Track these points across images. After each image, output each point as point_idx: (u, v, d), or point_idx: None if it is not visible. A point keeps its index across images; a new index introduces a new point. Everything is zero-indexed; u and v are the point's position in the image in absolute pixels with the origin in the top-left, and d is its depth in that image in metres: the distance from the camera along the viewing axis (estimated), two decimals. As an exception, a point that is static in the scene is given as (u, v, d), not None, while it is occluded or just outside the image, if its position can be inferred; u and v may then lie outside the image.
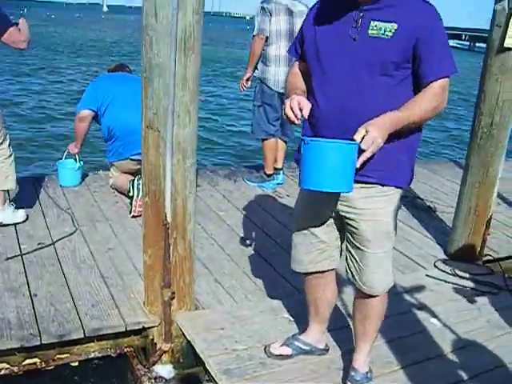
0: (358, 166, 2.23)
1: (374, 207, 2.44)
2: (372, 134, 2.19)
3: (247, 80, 5.74)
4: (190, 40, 2.67)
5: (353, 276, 2.63)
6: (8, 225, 4.35)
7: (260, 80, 5.60)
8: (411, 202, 5.65)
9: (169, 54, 2.64)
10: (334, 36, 2.37)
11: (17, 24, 4.01)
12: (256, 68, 5.63)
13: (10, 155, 4.36)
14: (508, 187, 5.92)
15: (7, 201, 4.49)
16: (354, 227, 2.50)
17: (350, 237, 2.56)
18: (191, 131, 2.79)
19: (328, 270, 2.76)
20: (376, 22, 2.28)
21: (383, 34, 2.26)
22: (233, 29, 75.26)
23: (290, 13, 5.42)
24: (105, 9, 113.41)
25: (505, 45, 3.94)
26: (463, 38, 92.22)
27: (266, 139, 5.73)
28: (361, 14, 2.31)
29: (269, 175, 5.82)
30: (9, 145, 4.34)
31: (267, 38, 5.42)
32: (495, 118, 4.13)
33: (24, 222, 4.44)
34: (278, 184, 5.80)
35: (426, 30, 2.25)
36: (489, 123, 4.15)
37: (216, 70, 22.28)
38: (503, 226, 5.25)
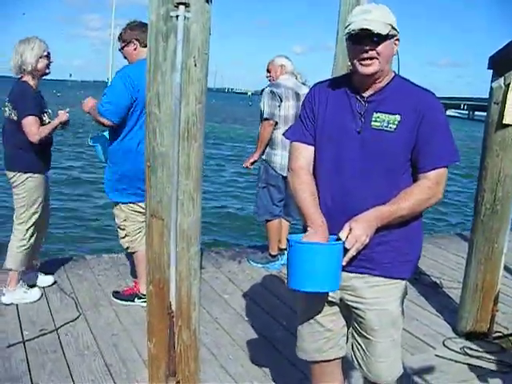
0: (344, 263, 2.27)
1: (379, 296, 2.43)
2: (355, 233, 2.22)
3: (252, 163, 5.77)
4: (192, 129, 2.71)
5: (359, 364, 2.59)
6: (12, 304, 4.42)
7: (265, 161, 5.63)
8: (417, 279, 5.60)
9: (172, 143, 2.68)
10: (339, 128, 2.38)
11: (45, 113, 4.46)
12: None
13: (31, 236, 4.51)
14: (514, 260, 5.89)
15: (20, 281, 4.52)
16: (360, 316, 2.47)
17: (357, 325, 2.53)
18: (195, 219, 2.80)
19: (335, 359, 2.69)
20: (379, 114, 2.32)
21: (387, 127, 2.29)
22: (237, 105, 76.44)
23: (297, 96, 5.48)
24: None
25: (504, 121, 4.00)
26: (462, 107, 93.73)
27: (270, 220, 5.73)
28: (365, 106, 2.35)
29: (273, 256, 5.79)
30: (32, 225, 4.48)
31: (276, 122, 5.46)
32: (498, 194, 4.14)
33: (30, 303, 4.45)
34: (283, 264, 5.71)
35: (427, 120, 2.28)
36: (491, 199, 4.17)
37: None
38: (511, 300, 5.18)
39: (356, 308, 2.47)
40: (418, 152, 2.31)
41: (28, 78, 4.36)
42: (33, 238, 4.53)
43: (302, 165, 2.47)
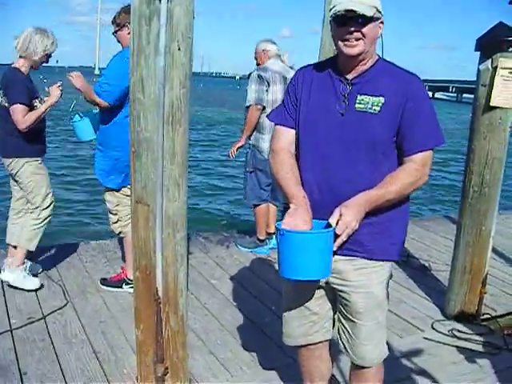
0: (334, 249, 2.28)
1: (364, 279, 2.43)
2: (346, 219, 2.23)
3: (238, 148, 5.76)
4: (177, 113, 2.68)
5: (344, 347, 2.60)
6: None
7: (253, 146, 5.61)
8: (405, 262, 5.61)
9: (156, 128, 2.65)
10: (322, 111, 2.37)
11: (35, 98, 4.39)
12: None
13: (46, 218, 4.58)
14: (502, 241, 5.91)
15: (24, 264, 4.54)
16: (345, 299, 2.48)
17: (342, 308, 2.53)
18: (181, 204, 2.77)
19: (321, 342, 2.70)
20: (363, 96, 2.31)
21: (370, 109, 2.28)
22: (225, 89, 76.06)
23: (285, 80, 5.45)
24: (96, 71, 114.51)
25: (491, 103, 3.99)
26: (450, 89, 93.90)
27: (258, 205, 5.72)
28: (348, 88, 2.34)
29: (261, 240, 5.78)
30: (48, 206, 4.56)
31: (264, 107, 5.43)
32: (485, 177, 4.14)
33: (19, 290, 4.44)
34: (271, 249, 5.73)
35: (411, 103, 2.27)
36: (479, 182, 4.17)
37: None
38: (499, 282, 5.22)
39: (341, 291, 2.48)
40: (403, 135, 2.30)
41: (21, 65, 4.34)
42: (47, 220, 4.60)
43: (282, 145, 2.48)
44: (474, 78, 4.17)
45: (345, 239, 2.27)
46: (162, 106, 2.61)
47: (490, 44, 4.01)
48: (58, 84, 4.42)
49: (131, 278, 3.15)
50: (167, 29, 2.53)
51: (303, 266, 2.23)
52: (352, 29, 2.23)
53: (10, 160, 4.38)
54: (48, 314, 4.09)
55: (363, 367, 2.59)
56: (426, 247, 6.29)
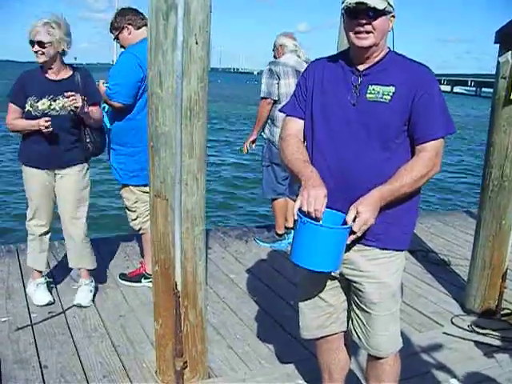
0: (348, 242, 2.30)
1: (377, 269, 2.44)
2: (363, 216, 2.23)
3: (252, 142, 5.77)
4: (195, 108, 2.69)
5: (359, 338, 2.60)
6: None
7: (268, 140, 5.61)
8: (425, 257, 5.59)
9: (175, 123, 2.66)
10: (334, 102, 2.38)
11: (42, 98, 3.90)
12: (262, 130, 5.64)
13: (31, 234, 4.25)
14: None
15: (42, 278, 4.34)
16: (359, 290, 2.48)
17: (356, 299, 2.53)
18: (199, 199, 2.79)
19: (337, 334, 2.71)
20: (374, 86, 2.32)
21: (381, 98, 2.29)
22: (243, 84, 76.01)
23: (298, 74, 5.41)
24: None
25: (511, 97, 3.95)
26: (469, 84, 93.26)
27: (276, 199, 5.72)
28: (359, 79, 2.35)
29: (280, 235, 5.78)
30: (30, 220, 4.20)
31: (275, 100, 5.42)
32: (505, 170, 4.10)
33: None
34: (290, 243, 5.68)
35: (422, 92, 2.28)
36: (499, 176, 4.13)
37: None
38: (520, 277, 5.17)
39: (355, 282, 2.48)
40: (415, 124, 2.31)
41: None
42: (32, 237, 4.26)
43: (291, 133, 2.52)
44: (492, 72, 4.13)
45: (360, 235, 2.29)
46: (180, 100, 2.63)
47: (510, 36, 3.97)
48: (47, 118, 3.81)
49: (150, 272, 3.17)
50: (184, 23, 2.54)
51: (315, 257, 2.25)
52: (363, 21, 2.24)
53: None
54: (68, 309, 4.12)
55: (380, 358, 2.60)
56: (445, 242, 6.25)
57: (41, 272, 4.33)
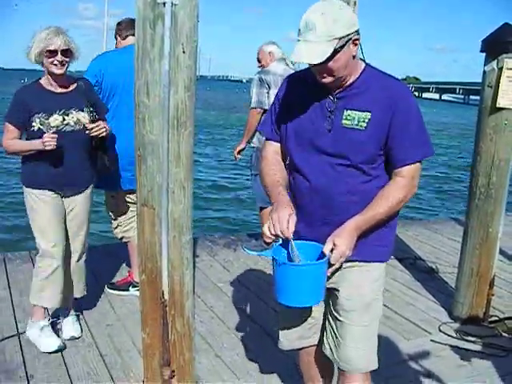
0: (328, 275, 2.28)
1: (354, 278, 2.42)
2: (340, 249, 2.21)
3: (240, 151, 5.78)
4: (182, 117, 2.68)
5: (330, 349, 2.53)
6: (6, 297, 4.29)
7: (257, 149, 5.59)
8: (413, 264, 5.62)
9: (162, 132, 2.65)
10: (310, 129, 2.34)
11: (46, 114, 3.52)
12: (251, 139, 5.64)
13: (40, 267, 3.73)
14: (510, 243, 5.89)
15: (46, 318, 3.87)
16: (334, 296, 2.46)
17: (331, 307, 2.50)
18: (187, 207, 2.78)
19: (318, 345, 2.66)
20: (349, 112, 2.27)
21: (357, 125, 2.25)
22: (231, 92, 76.12)
23: None
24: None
25: (497, 105, 3.98)
26: (458, 91, 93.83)
27: (265, 207, 5.72)
28: (334, 103, 2.30)
29: (268, 243, 5.76)
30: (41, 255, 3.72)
31: (265, 109, 5.40)
32: (492, 178, 4.13)
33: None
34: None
35: (398, 116, 2.23)
36: (486, 183, 4.16)
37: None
38: (507, 284, 5.21)
39: (330, 288, 2.45)
40: (391, 148, 2.27)
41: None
42: (44, 272, 3.72)
43: (267, 155, 2.56)
44: (479, 80, 4.17)
45: (338, 267, 2.26)
46: (167, 109, 2.62)
47: (496, 44, 4.01)
48: (52, 135, 3.42)
49: (138, 280, 3.15)
50: (172, 32, 2.53)
51: (298, 295, 2.26)
52: (317, 67, 2.17)
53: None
54: (55, 318, 4.08)
55: (349, 375, 2.50)
56: (433, 249, 6.28)
57: (46, 309, 3.89)
